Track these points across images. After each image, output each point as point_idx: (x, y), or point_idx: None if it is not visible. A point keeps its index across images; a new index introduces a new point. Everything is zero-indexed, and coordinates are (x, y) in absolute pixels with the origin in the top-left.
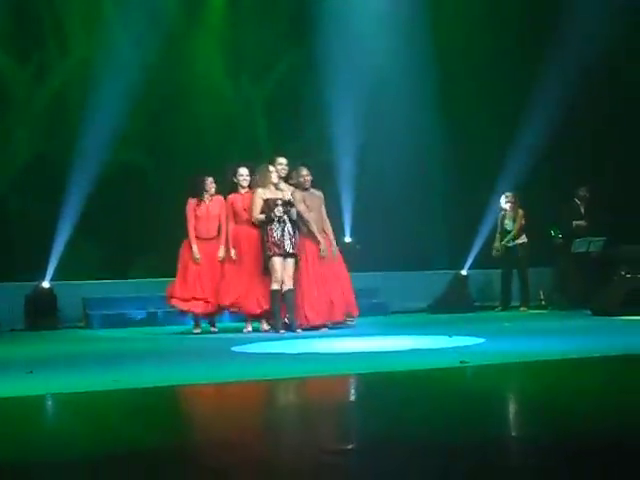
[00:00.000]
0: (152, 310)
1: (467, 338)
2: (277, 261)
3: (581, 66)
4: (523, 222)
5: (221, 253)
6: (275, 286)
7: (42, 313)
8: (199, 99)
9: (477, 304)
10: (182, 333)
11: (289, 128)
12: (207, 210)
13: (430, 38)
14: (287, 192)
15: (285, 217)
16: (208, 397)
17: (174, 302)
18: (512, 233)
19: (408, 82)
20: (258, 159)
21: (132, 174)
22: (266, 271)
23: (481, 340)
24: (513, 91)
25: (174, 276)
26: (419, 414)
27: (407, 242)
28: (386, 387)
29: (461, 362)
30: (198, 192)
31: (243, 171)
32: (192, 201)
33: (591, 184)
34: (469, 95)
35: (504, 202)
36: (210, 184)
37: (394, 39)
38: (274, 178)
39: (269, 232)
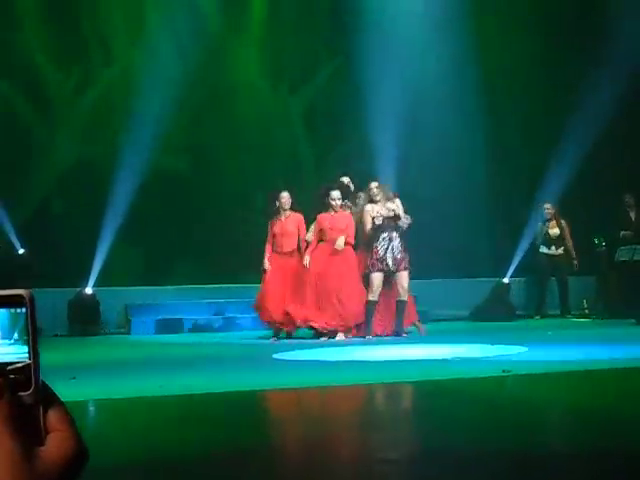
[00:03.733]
0: (194, 317)
1: (509, 347)
2: (376, 276)
3: (628, 69)
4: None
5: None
6: (371, 297)
7: (85, 319)
8: (240, 106)
9: (518, 312)
10: (227, 339)
11: (329, 136)
12: (283, 227)
13: (474, 47)
14: (390, 209)
15: (392, 234)
16: (247, 404)
17: (259, 313)
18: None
19: (450, 91)
20: (297, 166)
21: (174, 180)
22: (364, 284)
23: (523, 349)
24: (556, 100)
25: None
26: (462, 422)
27: (448, 250)
28: (429, 395)
29: (504, 371)
30: (275, 210)
31: (335, 194)
32: (271, 221)
33: (637, 190)
34: (512, 104)
35: (545, 213)
36: (284, 200)
37: (436, 47)
38: (377, 197)
39: (374, 249)
